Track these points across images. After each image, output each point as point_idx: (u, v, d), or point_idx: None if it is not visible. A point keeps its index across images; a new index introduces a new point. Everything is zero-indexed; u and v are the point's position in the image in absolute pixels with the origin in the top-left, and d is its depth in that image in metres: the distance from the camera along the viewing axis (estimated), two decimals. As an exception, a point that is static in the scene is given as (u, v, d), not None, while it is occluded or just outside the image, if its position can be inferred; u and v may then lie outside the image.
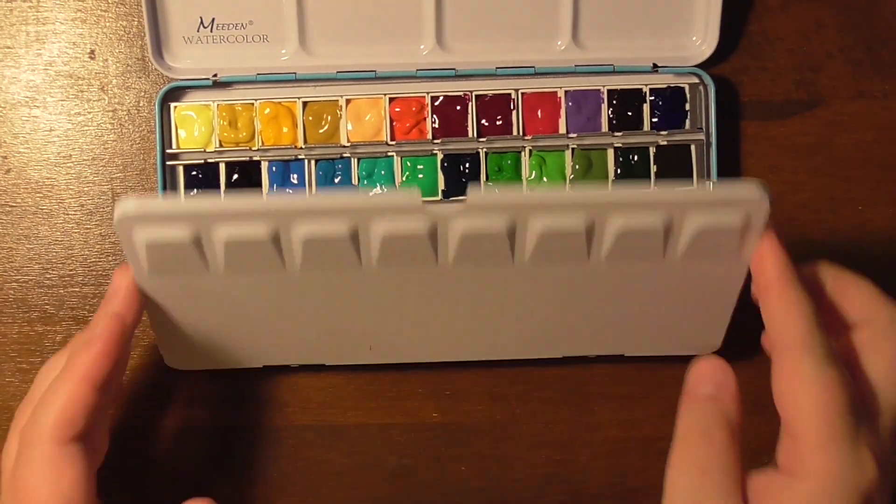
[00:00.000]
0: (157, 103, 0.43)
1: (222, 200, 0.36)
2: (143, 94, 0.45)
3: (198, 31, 0.43)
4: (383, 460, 0.45)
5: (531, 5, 0.43)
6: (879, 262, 0.46)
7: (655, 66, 0.44)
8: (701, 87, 0.44)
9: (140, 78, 0.45)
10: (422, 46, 0.43)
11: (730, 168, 0.45)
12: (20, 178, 0.45)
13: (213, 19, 0.43)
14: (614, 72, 0.44)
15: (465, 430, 0.46)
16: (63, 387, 0.37)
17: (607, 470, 0.46)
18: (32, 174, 0.45)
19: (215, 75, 0.43)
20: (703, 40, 0.44)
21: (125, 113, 0.45)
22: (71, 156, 0.45)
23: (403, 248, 0.36)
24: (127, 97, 0.45)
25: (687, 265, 0.38)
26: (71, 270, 0.45)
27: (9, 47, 0.44)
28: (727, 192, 0.35)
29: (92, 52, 0.45)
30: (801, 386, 0.34)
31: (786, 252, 0.37)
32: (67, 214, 0.45)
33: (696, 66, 0.44)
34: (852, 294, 0.38)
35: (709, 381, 0.36)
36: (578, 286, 0.39)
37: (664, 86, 0.44)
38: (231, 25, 0.43)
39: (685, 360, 0.45)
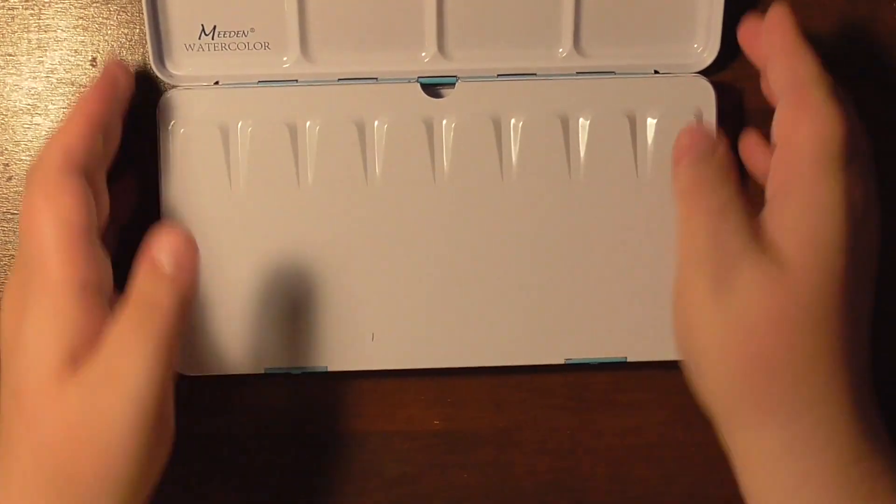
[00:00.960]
0: (158, 110, 0.43)
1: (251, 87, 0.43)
2: (145, 101, 0.45)
3: (199, 38, 0.43)
4: (385, 468, 0.45)
5: (532, 13, 0.43)
6: (880, 268, 0.46)
7: (657, 72, 0.44)
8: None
9: (142, 85, 0.45)
10: (423, 54, 0.43)
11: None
12: (22, 185, 0.45)
13: (215, 27, 0.43)
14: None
15: (467, 437, 0.45)
16: (64, 127, 0.39)
17: (610, 477, 0.46)
18: (34, 182, 0.45)
19: (216, 82, 0.43)
20: (704, 47, 0.44)
21: (127, 120, 0.45)
22: (72, 163, 0.45)
23: (404, 151, 0.43)
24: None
25: (659, 187, 0.43)
26: (72, 278, 0.45)
27: (10, 54, 0.44)
28: (676, 78, 0.43)
29: (94, 59, 0.45)
30: (806, 114, 0.37)
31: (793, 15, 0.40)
32: (69, 222, 0.45)
33: (697, 72, 0.44)
34: None
35: (705, 141, 0.39)
36: (562, 211, 0.43)
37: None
38: (232, 33, 0.43)
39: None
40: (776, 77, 0.40)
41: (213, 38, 0.43)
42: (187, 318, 0.37)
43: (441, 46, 0.43)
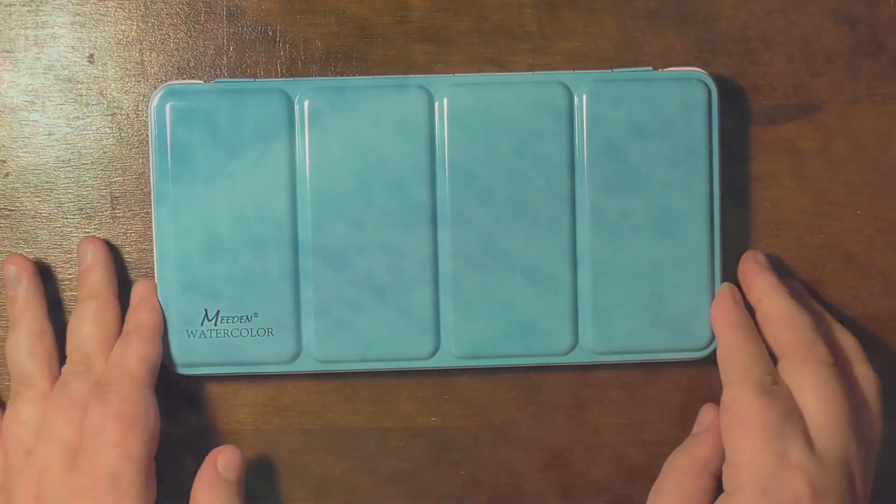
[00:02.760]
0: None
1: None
2: (141, 97, 0.45)
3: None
4: (382, 465, 0.45)
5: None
6: (878, 268, 0.46)
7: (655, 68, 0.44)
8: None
9: (139, 82, 0.45)
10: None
11: (728, 172, 0.45)
12: (19, 181, 0.45)
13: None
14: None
15: (463, 434, 0.46)
16: (141, 339, 0.42)
17: (606, 474, 0.46)
18: (31, 178, 0.45)
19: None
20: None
21: (124, 117, 0.45)
22: (70, 160, 0.45)
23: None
24: (126, 101, 0.45)
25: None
26: (70, 274, 0.45)
27: (7, 51, 0.44)
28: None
29: (91, 56, 0.45)
30: (733, 415, 0.40)
31: (733, 298, 0.43)
32: (66, 218, 0.45)
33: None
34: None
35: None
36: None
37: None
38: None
39: (683, 365, 0.45)
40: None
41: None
42: None
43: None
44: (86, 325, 0.42)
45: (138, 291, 0.43)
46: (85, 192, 0.45)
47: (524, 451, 0.46)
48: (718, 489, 0.42)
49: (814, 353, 0.41)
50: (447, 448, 0.45)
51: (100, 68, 0.45)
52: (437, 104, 0.43)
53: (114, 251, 0.45)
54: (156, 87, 0.44)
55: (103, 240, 0.44)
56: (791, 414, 0.40)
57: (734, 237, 0.45)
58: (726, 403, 0.41)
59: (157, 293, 0.43)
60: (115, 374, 0.41)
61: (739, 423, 0.40)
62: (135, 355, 0.42)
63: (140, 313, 0.43)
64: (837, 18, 0.45)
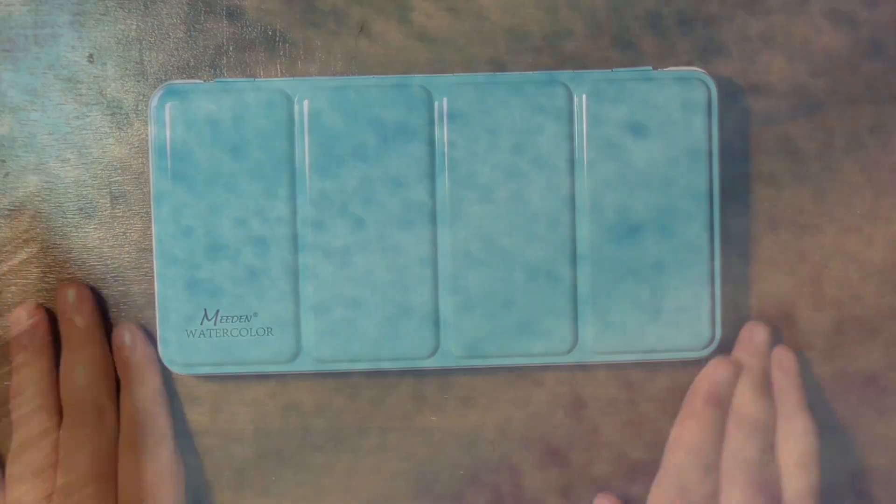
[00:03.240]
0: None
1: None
2: (141, 97, 0.45)
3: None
4: (382, 464, 0.46)
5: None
6: (877, 268, 0.46)
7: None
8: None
9: (139, 81, 0.45)
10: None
11: (727, 172, 0.45)
12: (18, 181, 0.45)
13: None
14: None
15: (463, 434, 0.46)
16: (162, 404, 0.44)
17: (606, 473, 0.46)
18: (31, 177, 0.45)
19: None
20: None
21: (124, 116, 0.45)
22: (69, 159, 0.45)
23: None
24: (126, 101, 0.45)
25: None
26: (69, 274, 0.45)
27: (7, 50, 0.44)
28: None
29: (91, 55, 0.45)
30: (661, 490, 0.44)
31: (717, 379, 0.44)
32: (66, 218, 0.45)
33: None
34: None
35: None
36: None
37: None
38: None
39: (683, 364, 0.45)
40: None
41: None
42: None
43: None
44: (89, 373, 0.43)
45: (124, 337, 0.44)
46: (84, 192, 0.45)
47: (524, 449, 0.46)
48: None
49: (745, 467, 0.42)
50: (447, 448, 0.46)
51: (100, 68, 0.45)
52: (437, 104, 0.43)
53: (113, 251, 0.45)
54: (156, 87, 0.44)
55: (82, 283, 0.44)
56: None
57: (734, 237, 0.45)
58: (655, 486, 0.44)
59: (143, 336, 0.44)
60: (153, 436, 0.43)
61: None
62: (163, 414, 0.44)
63: (146, 372, 0.44)
64: (837, 18, 0.45)
